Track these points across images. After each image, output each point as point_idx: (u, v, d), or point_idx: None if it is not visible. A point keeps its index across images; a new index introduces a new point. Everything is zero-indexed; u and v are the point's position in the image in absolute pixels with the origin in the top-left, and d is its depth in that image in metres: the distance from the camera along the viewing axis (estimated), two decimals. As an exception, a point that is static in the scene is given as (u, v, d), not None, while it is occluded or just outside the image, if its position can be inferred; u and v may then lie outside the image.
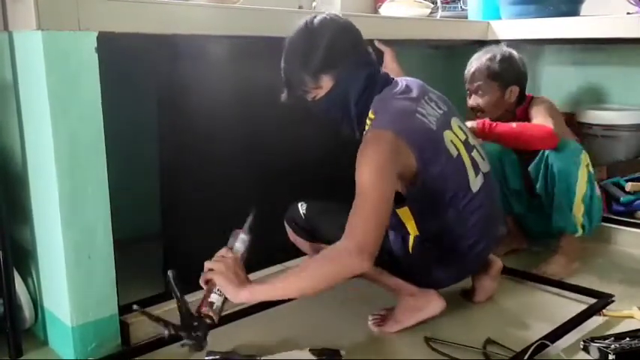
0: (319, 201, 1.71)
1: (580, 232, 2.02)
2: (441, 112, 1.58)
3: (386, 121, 1.47)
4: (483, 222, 1.61)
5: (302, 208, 1.72)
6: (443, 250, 1.61)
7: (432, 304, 1.67)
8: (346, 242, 1.33)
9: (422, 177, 1.48)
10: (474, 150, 1.63)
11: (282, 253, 2.03)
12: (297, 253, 2.05)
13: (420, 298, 1.66)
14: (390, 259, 1.60)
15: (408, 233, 1.61)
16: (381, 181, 1.37)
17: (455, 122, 1.61)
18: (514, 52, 2.14)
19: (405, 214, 1.57)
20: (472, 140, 1.65)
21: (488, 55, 2.10)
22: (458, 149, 1.56)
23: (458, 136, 1.59)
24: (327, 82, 1.50)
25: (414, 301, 1.66)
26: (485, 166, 1.65)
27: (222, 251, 1.45)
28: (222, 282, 1.38)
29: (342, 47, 1.50)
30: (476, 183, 1.58)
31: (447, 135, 1.55)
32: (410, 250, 1.61)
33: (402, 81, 1.61)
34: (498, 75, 2.08)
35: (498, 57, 2.09)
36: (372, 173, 1.37)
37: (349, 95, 1.51)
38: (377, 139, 1.42)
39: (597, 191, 2.06)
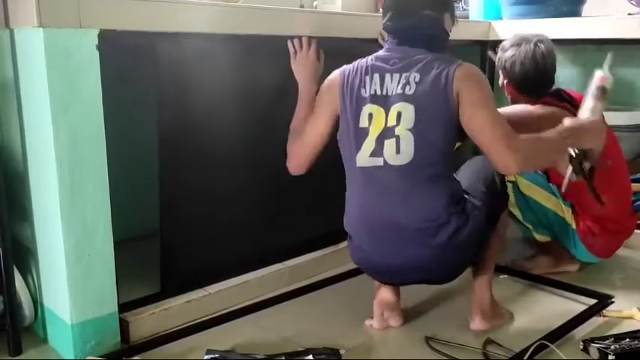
0: None
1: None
2: (389, 92, 1.54)
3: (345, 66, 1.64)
4: (360, 205, 1.58)
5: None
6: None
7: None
8: None
9: (340, 122, 1.62)
10: (393, 139, 1.52)
11: (284, 252, 2.04)
12: (300, 251, 2.06)
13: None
14: None
15: None
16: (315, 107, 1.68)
17: (398, 107, 1.52)
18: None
19: None
20: (401, 131, 1.51)
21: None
22: (370, 124, 1.54)
23: (386, 118, 1.53)
24: None
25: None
26: (395, 159, 1.51)
27: None
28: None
29: None
30: (364, 161, 1.54)
31: (371, 108, 1.55)
32: None
33: (395, 51, 1.60)
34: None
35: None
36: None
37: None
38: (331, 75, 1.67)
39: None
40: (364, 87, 1.57)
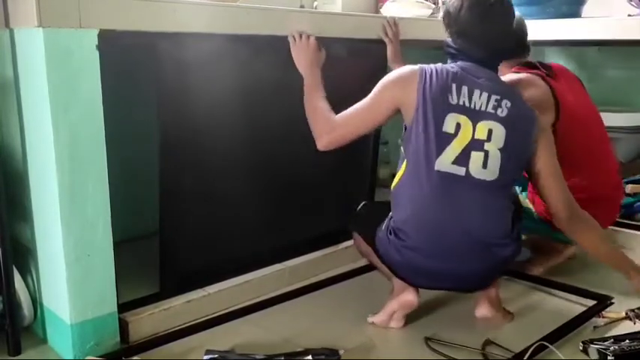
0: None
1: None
2: (477, 107, 1.58)
3: (423, 66, 1.63)
4: (427, 208, 1.56)
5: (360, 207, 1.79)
6: (394, 228, 1.62)
7: (403, 294, 1.70)
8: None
9: (414, 119, 1.58)
10: (482, 153, 1.56)
11: (282, 252, 2.04)
12: (299, 252, 2.06)
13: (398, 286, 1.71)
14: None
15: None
16: (375, 97, 1.65)
17: (489, 124, 1.57)
18: None
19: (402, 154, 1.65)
20: (491, 148, 1.57)
21: None
22: (457, 133, 1.55)
23: (473, 130, 1.56)
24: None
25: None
26: (480, 174, 1.56)
27: None
28: None
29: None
30: (444, 166, 1.54)
31: (458, 117, 1.56)
32: (383, 227, 1.66)
33: (478, 69, 1.63)
34: None
35: None
36: (376, 87, 1.65)
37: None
38: (402, 69, 1.67)
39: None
40: (451, 94, 1.57)
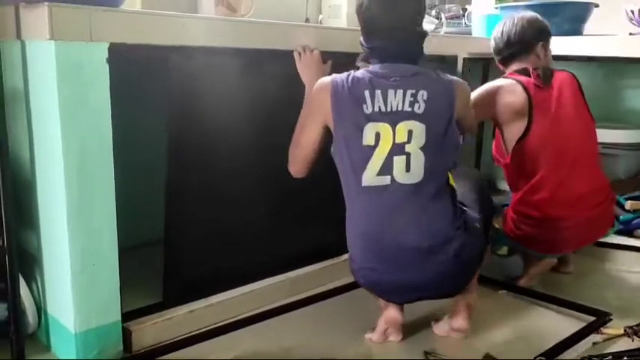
0: None
1: None
2: (394, 108, 1.55)
3: (338, 75, 1.61)
4: (368, 224, 1.56)
5: None
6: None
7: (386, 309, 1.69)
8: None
9: (335, 137, 1.59)
10: (404, 156, 1.54)
11: (285, 263, 2.05)
12: (301, 263, 2.07)
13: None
14: None
15: None
16: (303, 115, 1.69)
17: (409, 125, 1.54)
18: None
19: None
20: (413, 149, 1.54)
21: None
22: (378, 143, 1.54)
23: (394, 134, 1.53)
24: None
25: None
26: (405, 178, 1.54)
27: None
28: None
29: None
30: (370, 180, 1.54)
31: (376, 126, 1.54)
32: None
33: (390, 68, 1.60)
34: None
35: None
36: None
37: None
38: (319, 82, 1.64)
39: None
40: (365, 103, 1.54)
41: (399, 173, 1.53)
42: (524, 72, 2.08)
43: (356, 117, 1.55)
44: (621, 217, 2.49)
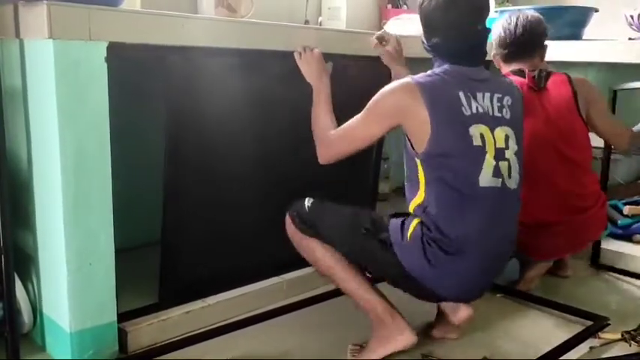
0: (326, 200, 1.71)
1: None
2: (488, 111, 1.55)
3: (418, 76, 1.56)
4: (482, 224, 1.52)
5: (308, 202, 1.70)
6: (435, 240, 1.50)
7: (402, 336, 1.57)
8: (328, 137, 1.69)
9: (434, 138, 1.49)
10: (506, 162, 1.55)
11: (283, 265, 2.05)
12: (297, 265, 2.07)
13: (390, 327, 1.57)
14: (382, 255, 1.56)
15: (409, 215, 1.58)
16: (371, 114, 1.60)
17: (505, 130, 1.56)
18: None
19: (421, 173, 1.54)
20: (510, 155, 1.56)
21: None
22: (484, 143, 1.52)
23: (494, 138, 1.54)
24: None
25: (385, 331, 1.58)
26: (510, 183, 1.56)
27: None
28: None
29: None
30: (487, 181, 1.51)
31: (479, 128, 1.52)
32: (408, 237, 1.52)
33: (464, 71, 1.57)
34: None
35: None
36: (371, 104, 1.59)
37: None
38: (396, 83, 1.58)
39: None
40: (462, 104, 1.51)
41: (506, 178, 1.55)
42: (519, 73, 2.07)
43: (459, 117, 1.51)
44: (619, 222, 2.49)
